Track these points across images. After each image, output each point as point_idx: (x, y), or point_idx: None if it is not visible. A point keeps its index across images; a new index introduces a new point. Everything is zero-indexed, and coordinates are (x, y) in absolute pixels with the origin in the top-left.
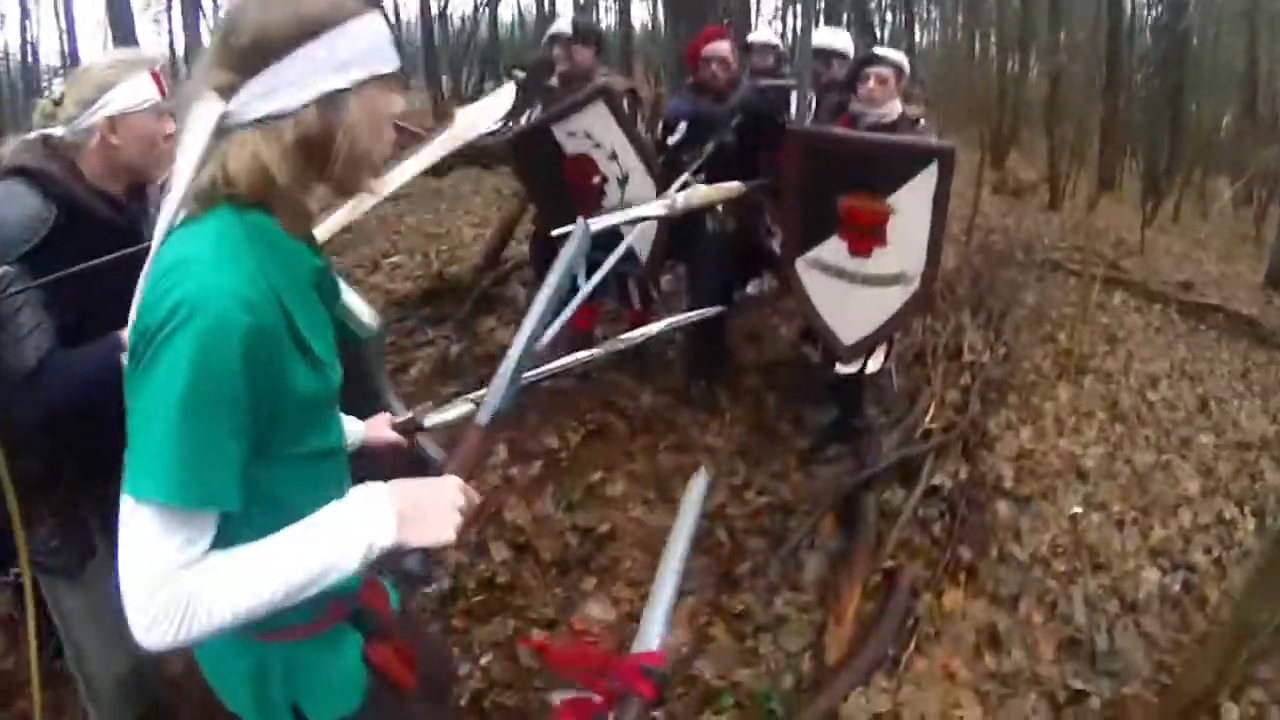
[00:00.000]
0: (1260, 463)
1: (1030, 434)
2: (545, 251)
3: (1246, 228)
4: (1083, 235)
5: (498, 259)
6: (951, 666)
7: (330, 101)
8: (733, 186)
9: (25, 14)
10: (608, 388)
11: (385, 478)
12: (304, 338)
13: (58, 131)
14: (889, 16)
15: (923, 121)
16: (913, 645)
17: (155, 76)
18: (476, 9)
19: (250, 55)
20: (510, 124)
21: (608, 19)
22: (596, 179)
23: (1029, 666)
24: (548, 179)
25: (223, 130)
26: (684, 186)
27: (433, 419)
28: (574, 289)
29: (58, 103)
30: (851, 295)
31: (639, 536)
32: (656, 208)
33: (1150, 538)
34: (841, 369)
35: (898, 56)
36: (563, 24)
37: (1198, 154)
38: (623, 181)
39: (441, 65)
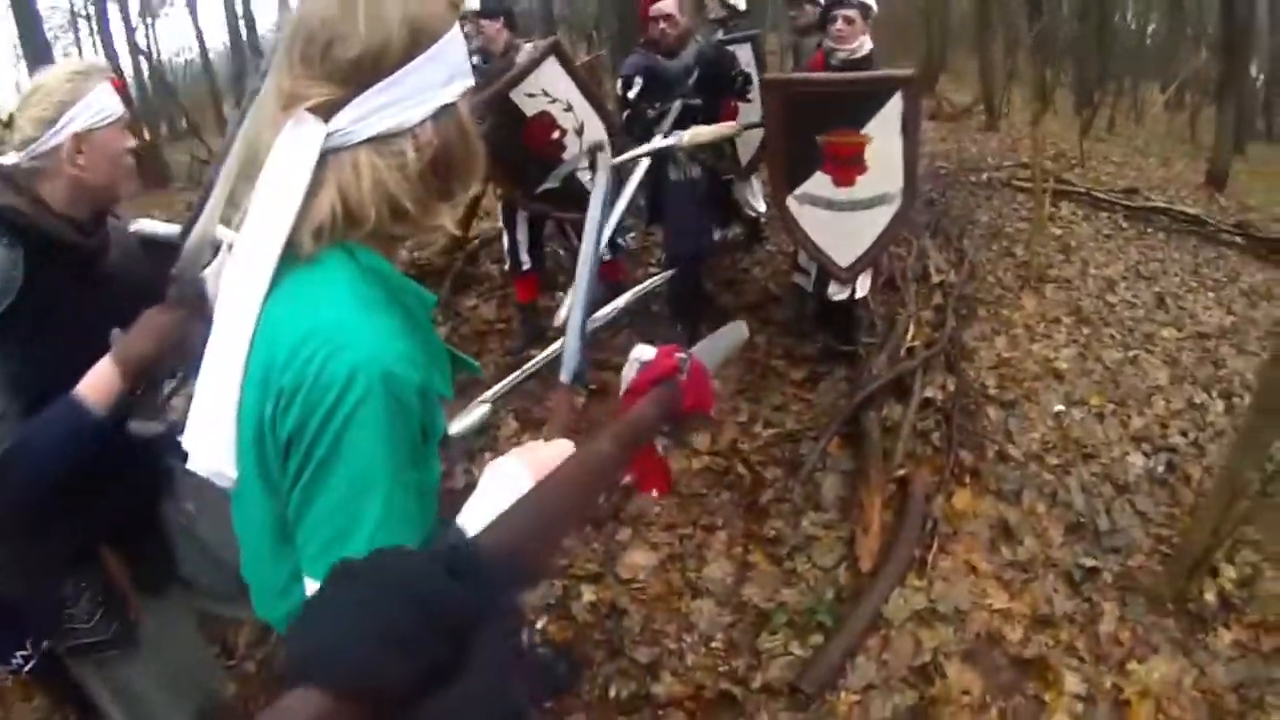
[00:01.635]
0: (1220, 350)
1: (1005, 343)
2: (515, 220)
3: (1181, 131)
4: (1031, 151)
5: (465, 238)
6: (973, 560)
7: (443, 115)
8: (730, 125)
9: None
10: (598, 347)
11: None
12: (435, 381)
13: (10, 159)
14: None
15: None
16: (935, 545)
17: (118, 86)
18: None
19: (362, 66)
20: None
21: None
22: (556, 134)
23: (1042, 552)
24: (508, 148)
25: (325, 154)
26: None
27: (456, 427)
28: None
29: (7, 124)
30: (842, 221)
31: None
32: (666, 142)
33: (1130, 426)
34: (835, 294)
35: None
36: (469, 1)
37: (1127, 62)
38: (579, 131)
39: None
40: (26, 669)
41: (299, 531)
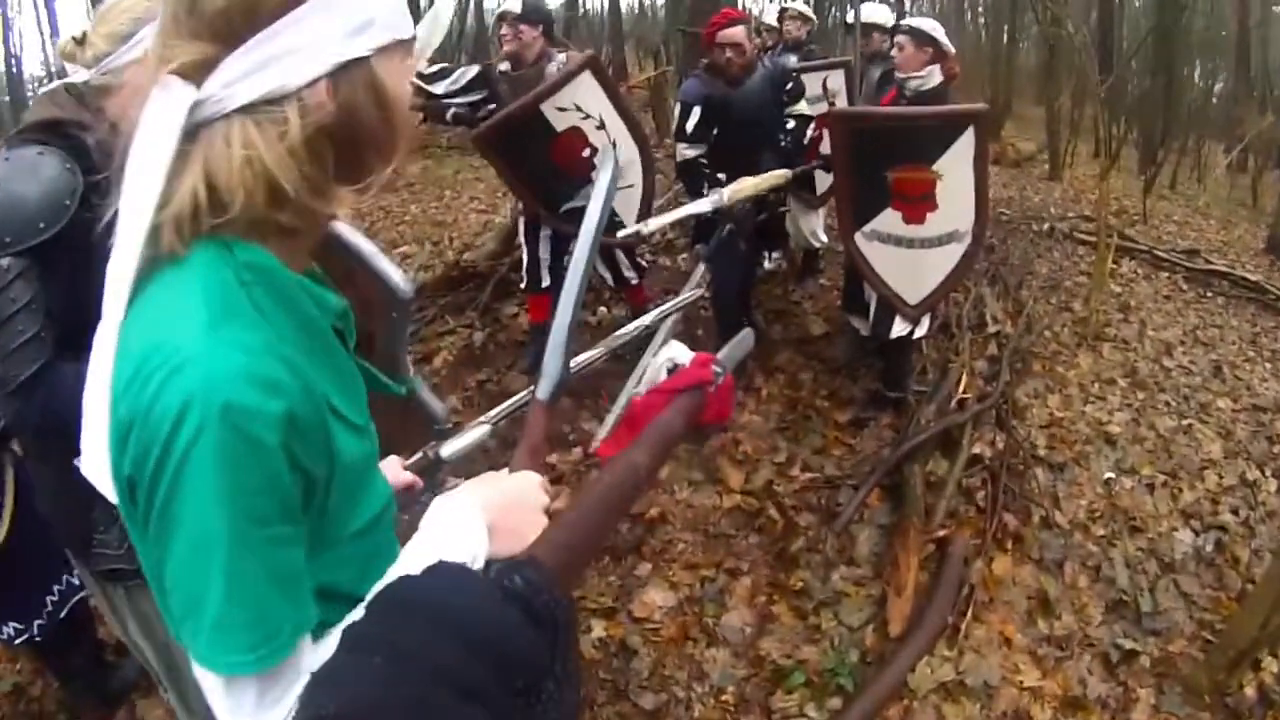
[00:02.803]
0: (1276, 425)
1: (1058, 402)
2: (538, 236)
3: (1243, 194)
4: (1096, 205)
5: (513, 244)
6: (1007, 632)
7: (346, 75)
8: (780, 174)
9: (8, 26)
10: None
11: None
12: (336, 405)
13: (80, 76)
14: None
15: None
16: (969, 613)
17: None
18: None
19: (233, 16)
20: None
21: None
22: (586, 151)
23: (1080, 629)
24: (535, 162)
25: (194, 126)
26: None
27: (450, 448)
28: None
29: (80, 40)
30: (911, 259)
31: (689, 519)
32: (705, 205)
33: (1180, 500)
34: (895, 332)
35: (917, 22)
36: (511, 3)
37: (1192, 121)
38: (611, 149)
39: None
40: (37, 636)
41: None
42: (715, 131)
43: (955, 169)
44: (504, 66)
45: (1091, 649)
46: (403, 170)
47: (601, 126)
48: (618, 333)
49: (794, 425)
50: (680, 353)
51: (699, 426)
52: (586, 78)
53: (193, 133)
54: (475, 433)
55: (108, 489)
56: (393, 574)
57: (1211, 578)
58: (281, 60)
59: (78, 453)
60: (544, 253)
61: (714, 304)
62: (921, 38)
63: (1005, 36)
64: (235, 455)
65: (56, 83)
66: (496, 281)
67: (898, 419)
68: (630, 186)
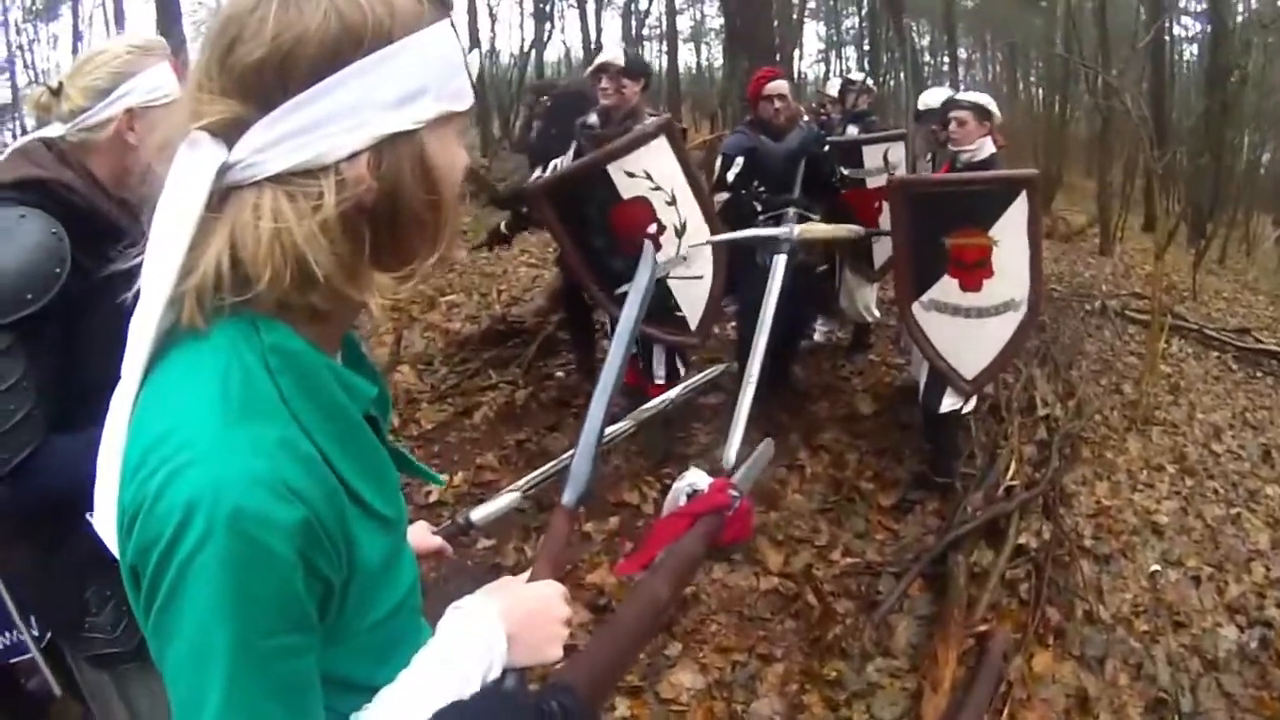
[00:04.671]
0: None
1: (1106, 489)
2: (580, 313)
3: None
4: (1153, 285)
5: (559, 302)
6: None
7: (391, 148)
8: (852, 228)
9: (78, 36)
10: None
11: None
12: (364, 497)
13: (56, 130)
14: (929, 58)
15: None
16: (1006, 711)
17: (175, 66)
18: (523, 48)
19: (266, 76)
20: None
21: (652, 60)
22: (653, 227)
23: None
24: (594, 227)
25: (224, 190)
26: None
27: (480, 514)
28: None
29: (55, 92)
30: (968, 330)
31: (724, 599)
32: (773, 230)
33: (1226, 594)
34: (947, 406)
35: (975, 97)
36: (612, 54)
37: (1241, 193)
38: (680, 231)
39: (490, 103)
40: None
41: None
42: (755, 184)
43: (1010, 235)
44: (592, 119)
45: None
46: (450, 257)
47: (672, 202)
48: (644, 406)
49: (837, 507)
50: (699, 478)
51: (719, 547)
52: (661, 143)
53: (222, 195)
54: (504, 499)
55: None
56: (411, 686)
57: (1254, 675)
58: (319, 129)
59: (72, 531)
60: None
61: (738, 328)
62: (982, 113)
63: (1057, 107)
64: (243, 565)
65: (30, 136)
66: (543, 339)
67: (943, 504)
68: (699, 278)
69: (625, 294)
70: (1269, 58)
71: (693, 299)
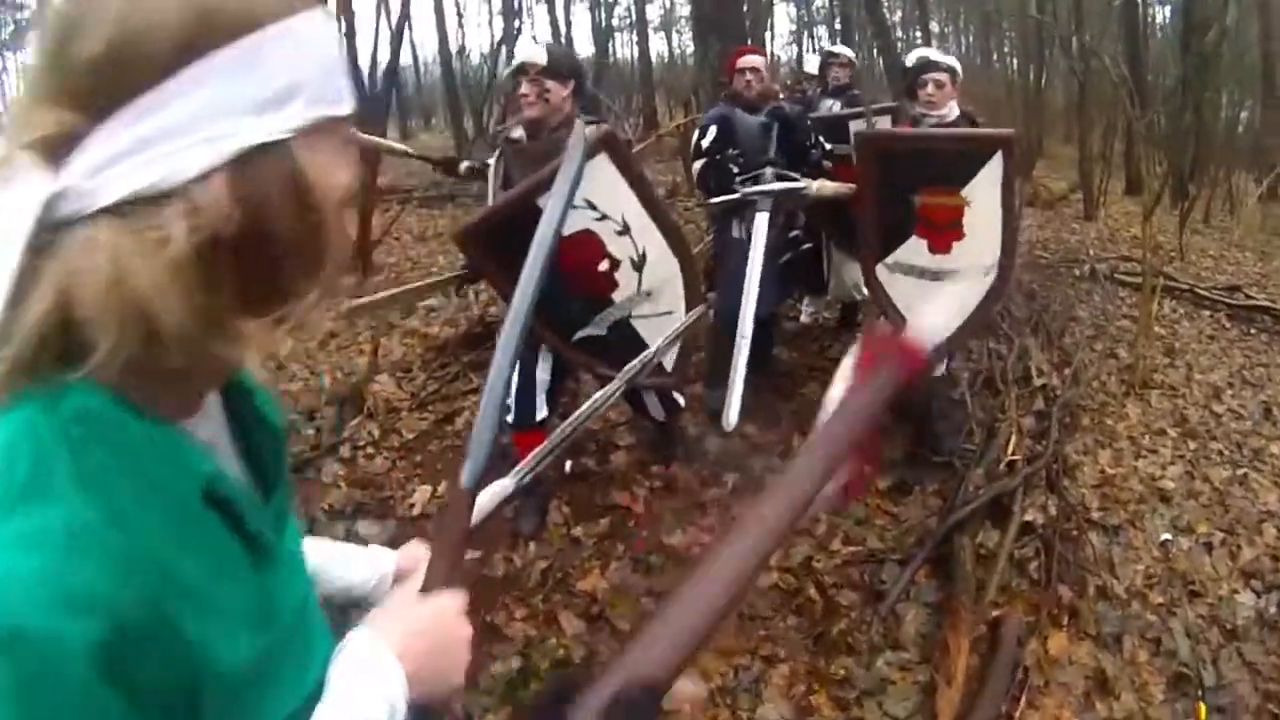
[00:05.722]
0: None
1: (1109, 458)
2: (535, 354)
3: (1277, 223)
4: (1142, 247)
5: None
6: (1063, 717)
7: (253, 165)
8: (852, 186)
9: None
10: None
11: None
12: (207, 595)
13: None
14: (901, 32)
15: (980, 120)
16: (1024, 699)
17: None
18: (494, 45)
19: (104, 74)
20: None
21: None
22: (604, 264)
23: (1141, 710)
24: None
25: (52, 226)
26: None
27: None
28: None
29: None
30: (933, 293)
31: None
32: (793, 185)
33: (1239, 559)
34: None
35: (950, 61)
36: (531, 52)
37: (1222, 151)
38: (639, 263)
39: (463, 104)
40: None
41: None
42: (730, 150)
43: (983, 196)
44: (516, 134)
45: None
46: (339, 294)
47: (624, 231)
48: (629, 365)
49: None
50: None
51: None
52: (602, 162)
53: (51, 232)
54: (496, 486)
55: None
56: None
57: (1275, 642)
58: (162, 142)
59: None
60: (543, 373)
61: (718, 298)
62: (956, 77)
63: (1033, 75)
64: (29, 695)
65: None
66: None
67: (944, 484)
68: (668, 314)
69: (586, 338)
70: (1242, 13)
71: (661, 336)
